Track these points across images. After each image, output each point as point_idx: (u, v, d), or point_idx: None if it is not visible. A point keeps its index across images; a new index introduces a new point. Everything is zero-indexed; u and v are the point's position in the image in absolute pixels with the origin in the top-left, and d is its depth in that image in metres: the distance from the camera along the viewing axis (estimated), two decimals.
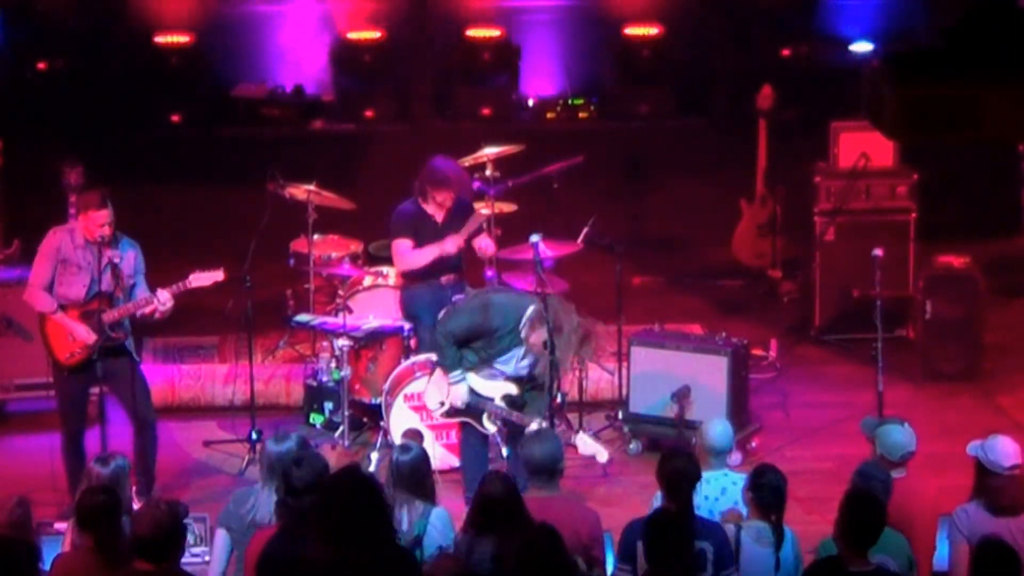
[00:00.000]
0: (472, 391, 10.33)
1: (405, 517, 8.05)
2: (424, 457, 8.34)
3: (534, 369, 10.23)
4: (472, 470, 10.30)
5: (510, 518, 7.68)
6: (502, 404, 10.29)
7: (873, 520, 7.58)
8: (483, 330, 10.23)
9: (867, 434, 8.68)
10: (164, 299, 10.32)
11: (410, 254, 11.49)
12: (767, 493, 8.06)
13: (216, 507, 9.01)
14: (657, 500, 8.40)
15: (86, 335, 10.24)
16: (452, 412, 10.44)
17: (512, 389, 10.31)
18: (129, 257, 10.38)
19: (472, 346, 10.30)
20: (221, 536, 8.21)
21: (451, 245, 11.37)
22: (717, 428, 8.86)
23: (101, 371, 10.20)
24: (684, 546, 7.49)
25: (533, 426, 9.95)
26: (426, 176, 11.47)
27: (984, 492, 8.25)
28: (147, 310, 10.36)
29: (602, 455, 10.04)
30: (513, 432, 10.38)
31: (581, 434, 10.18)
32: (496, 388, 10.33)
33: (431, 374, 10.70)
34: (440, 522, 8.13)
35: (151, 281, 10.44)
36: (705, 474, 8.30)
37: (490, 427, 10.40)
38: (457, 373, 10.31)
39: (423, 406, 11.12)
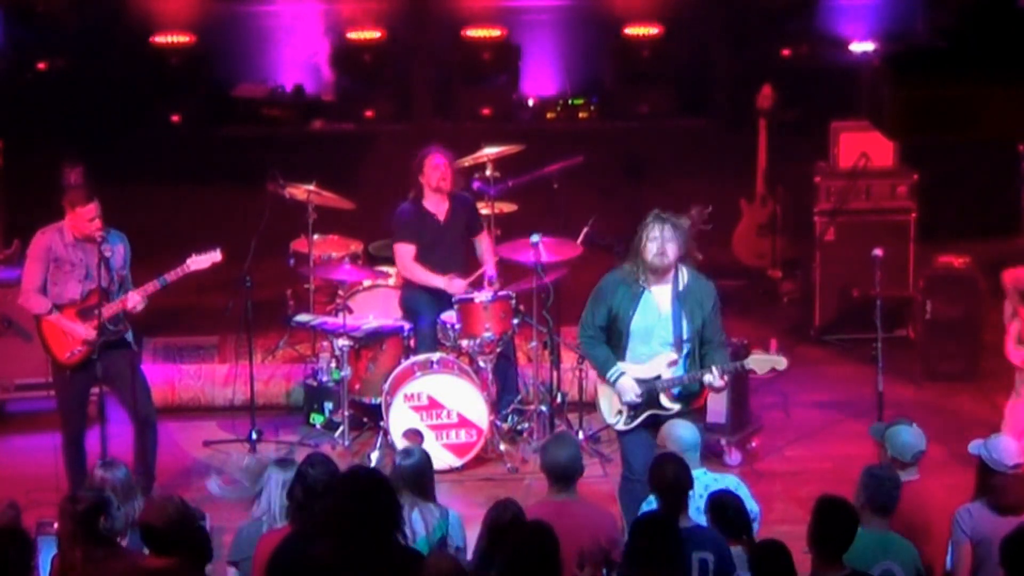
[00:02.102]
0: (637, 380, 9.55)
1: (419, 519, 7.99)
2: (427, 461, 8.28)
3: (681, 326, 9.54)
4: (632, 514, 9.44)
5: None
6: (670, 373, 9.55)
7: (844, 526, 7.44)
8: (605, 303, 9.61)
9: (876, 439, 8.61)
10: (136, 300, 10.31)
11: (413, 267, 11.67)
12: (732, 516, 7.98)
13: (216, 507, 9.00)
14: (648, 502, 8.38)
15: (86, 333, 10.23)
16: (633, 413, 9.60)
17: (672, 355, 9.54)
18: (119, 250, 10.37)
19: (612, 339, 9.63)
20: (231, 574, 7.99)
21: (456, 287, 11.53)
22: (680, 430, 8.71)
23: (101, 370, 10.18)
24: (671, 549, 7.40)
25: (712, 377, 9.39)
26: (414, 167, 11.63)
27: (987, 491, 8.22)
28: (128, 306, 10.35)
29: (780, 363, 9.49)
30: None
31: (752, 355, 9.55)
32: (656, 363, 9.57)
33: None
34: (458, 523, 8.12)
35: (151, 277, 10.42)
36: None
37: (671, 405, 9.54)
38: (614, 371, 9.56)
39: (423, 406, 11.13)
